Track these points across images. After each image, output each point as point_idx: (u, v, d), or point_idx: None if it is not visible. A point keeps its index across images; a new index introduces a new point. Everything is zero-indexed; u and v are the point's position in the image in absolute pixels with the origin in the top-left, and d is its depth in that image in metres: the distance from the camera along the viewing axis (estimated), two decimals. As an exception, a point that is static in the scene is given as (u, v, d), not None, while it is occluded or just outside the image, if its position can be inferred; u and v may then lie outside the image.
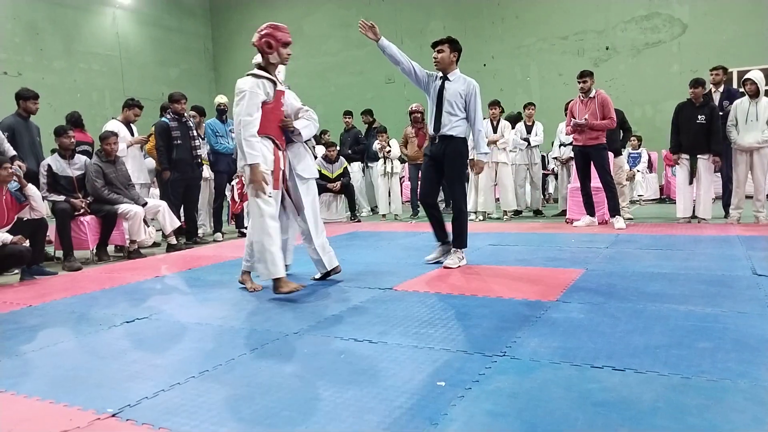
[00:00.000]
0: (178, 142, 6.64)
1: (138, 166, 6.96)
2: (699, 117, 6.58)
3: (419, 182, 5.05)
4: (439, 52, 4.63)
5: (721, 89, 7.20)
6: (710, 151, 6.60)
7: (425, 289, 3.88)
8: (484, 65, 12.86)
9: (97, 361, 2.76)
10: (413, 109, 8.68)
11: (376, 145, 8.92)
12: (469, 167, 5.36)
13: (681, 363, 2.34)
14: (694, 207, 6.89)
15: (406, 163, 9.51)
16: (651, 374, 2.25)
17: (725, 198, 7.19)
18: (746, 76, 6.44)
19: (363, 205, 10.06)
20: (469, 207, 8.35)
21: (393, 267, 4.78)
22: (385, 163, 8.88)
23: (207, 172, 7.56)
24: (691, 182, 6.77)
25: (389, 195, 9.07)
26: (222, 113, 7.44)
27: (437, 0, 13.41)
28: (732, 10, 10.67)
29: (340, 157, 9.04)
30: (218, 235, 7.39)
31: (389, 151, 8.87)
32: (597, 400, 2.05)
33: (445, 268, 4.61)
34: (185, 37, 15.54)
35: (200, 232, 7.40)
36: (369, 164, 9.87)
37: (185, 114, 6.83)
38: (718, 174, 7.30)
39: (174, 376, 2.48)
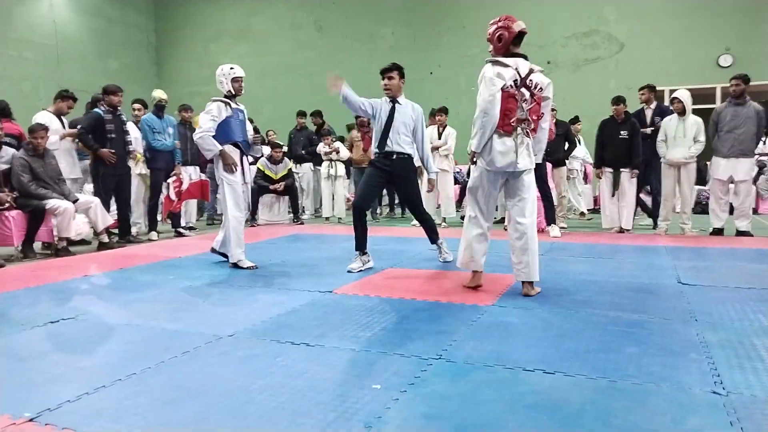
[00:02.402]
0: (112, 135, 6.39)
1: (70, 160, 6.67)
2: (621, 132, 6.90)
3: (360, 187, 5.10)
4: (389, 79, 4.82)
5: (653, 106, 7.55)
6: (630, 165, 6.91)
7: (365, 293, 3.88)
8: (431, 73, 13.01)
9: (16, 364, 2.62)
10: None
11: (320, 148, 8.86)
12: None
13: (608, 367, 2.43)
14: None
15: (352, 167, 9.48)
16: (580, 378, 2.32)
17: (654, 210, 7.53)
18: (674, 95, 6.78)
19: (308, 206, 9.96)
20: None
21: (334, 270, 4.75)
22: (330, 165, 8.83)
23: (142, 168, 7.30)
24: (613, 195, 7.06)
25: (333, 198, 9.03)
26: (160, 109, 7.20)
27: (387, 7, 13.48)
28: (665, 32, 11.21)
29: (285, 158, 8.93)
30: (153, 234, 7.15)
31: (338, 151, 8.83)
32: (528, 402, 2.10)
33: (445, 262, 4.99)
34: (127, 28, 15.00)
35: (134, 230, 7.14)
36: (315, 166, 9.79)
37: (119, 108, 6.58)
38: (648, 187, 7.65)
39: (99, 378, 2.38)
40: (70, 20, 13.60)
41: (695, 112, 6.83)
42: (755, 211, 8.51)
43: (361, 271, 4.70)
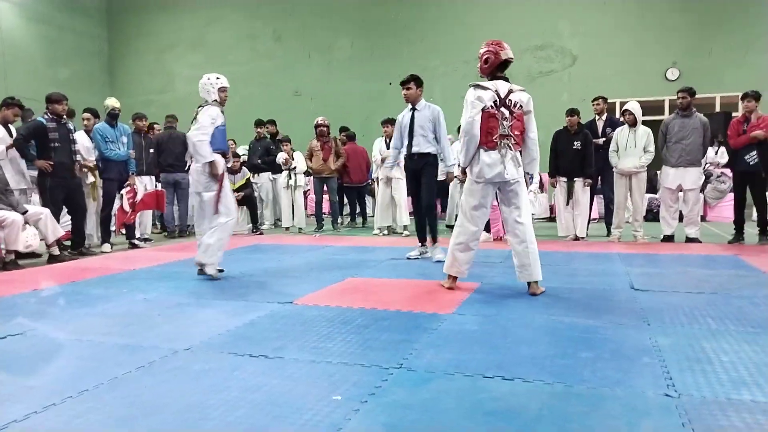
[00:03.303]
0: (56, 144, 6.18)
1: (18, 170, 6.42)
2: (575, 143, 7.09)
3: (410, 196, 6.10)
4: (407, 89, 5.65)
5: (604, 117, 7.78)
6: (584, 175, 7.09)
7: (326, 303, 3.85)
8: (390, 84, 13.09)
9: (-43, 383, 2.49)
10: (319, 122, 8.64)
11: (280, 157, 8.79)
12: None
13: (564, 372, 2.47)
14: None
15: (311, 176, 9.42)
16: (537, 383, 2.35)
17: (607, 218, 7.73)
18: (625, 107, 7.00)
19: (267, 216, 9.84)
20: (375, 223, 8.43)
21: (294, 281, 4.71)
22: (288, 175, 8.76)
23: (90, 178, 7.09)
24: (567, 203, 7.23)
25: (293, 208, 8.96)
26: (113, 117, 7.01)
27: (345, 17, 13.53)
28: (616, 46, 11.59)
29: (243, 167, 8.82)
30: (106, 246, 6.94)
31: (294, 167, 8.77)
32: (487, 409, 2.11)
33: (439, 262, 5.23)
34: (78, 37, 14.60)
35: (86, 242, 6.92)
36: (273, 175, 9.68)
37: (64, 116, 6.37)
38: (601, 196, 7.86)
39: (49, 396, 2.28)
40: (17, 27, 13.18)
41: (645, 123, 7.07)
42: (703, 218, 8.84)
43: (417, 258, 5.71)
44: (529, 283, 4.04)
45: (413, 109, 5.66)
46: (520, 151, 4.04)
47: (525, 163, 4.08)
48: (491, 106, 3.89)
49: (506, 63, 4.03)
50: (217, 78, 4.90)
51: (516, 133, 3.96)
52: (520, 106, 3.97)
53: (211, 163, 4.73)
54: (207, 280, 4.76)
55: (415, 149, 5.61)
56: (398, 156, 6.01)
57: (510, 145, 3.94)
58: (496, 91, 3.91)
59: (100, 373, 2.54)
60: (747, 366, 2.50)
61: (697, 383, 2.32)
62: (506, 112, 3.91)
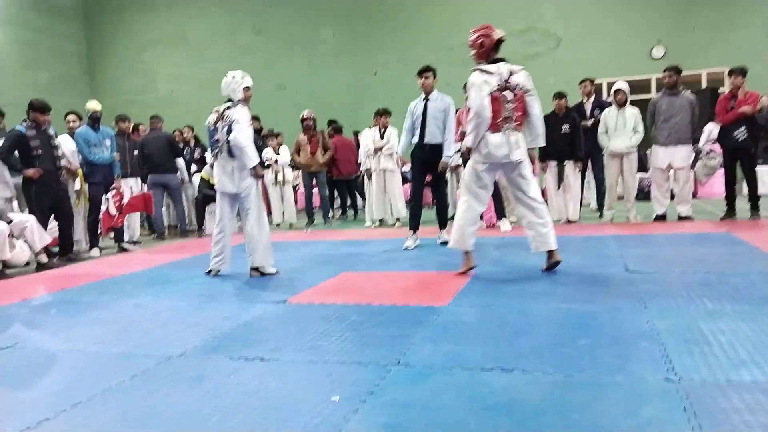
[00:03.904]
0: (39, 152, 6.05)
1: (1, 179, 6.31)
2: (563, 127, 7.06)
3: (411, 181, 6.19)
4: (426, 78, 5.75)
5: (591, 99, 7.75)
6: (574, 158, 7.08)
7: (320, 301, 3.81)
8: (375, 74, 13.02)
9: (-54, 402, 2.44)
10: (305, 116, 8.56)
11: (266, 153, 8.71)
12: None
13: (564, 361, 2.45)
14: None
15: (300, 171, 9.35)
16: (537, 374, 2.33)
17: (599, 200, 7.73)
18: (615, 87, 6.97)
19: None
20: (367, 216, 8.39)
21: (287, 279, 4.66)
22: (274, 172, 8.67)
23: (77, 184, 6.99)
24: (558, 187, 7.22)
25: (282, 203, 8.90)
26: (95, 120, 6.88)
27: (327, 8, 13.37)
28: (600, 26, 11.54)
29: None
30: (95, 251, 6.86)
31: (276, 161, 8.70)
32: (487, 404, 2.09)
33: (444, 243, 5.56)
34: (55, 39, 14.35)
35: (74, 248, 6.83)
36: (261, 172, 9.60)
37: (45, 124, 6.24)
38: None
39: (42, 411, 2.24)
40: (-8, 31, 12.94)
41: (632, 102, 7.05)
42: (694, 195, 8.86)
43: (414, 248, 5.77)
44: (548, 253, 4.18)
45: (426, 99, 5.74)
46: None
47: (529, 141, 4.20)
48: (496, 89, 3.99)
49: (500, 43, 4.11)
50: (243, 77, 4.79)
51: (518, 114, 4.09)
52: (521, 87, 4.08)
53: (257, 166, 4.71)
54: (197, 283, 4.71)
55: (428, 139, 5.70)
56: (409, 143, 5.95)
57: (513, 126, 4.07)
58: (499, 74, 4.01)
59: (94, 384, 2.50)
60: (745, 345, 2.49)
61: (697, 366, 2.31)
62: (509, 95, 4.03)
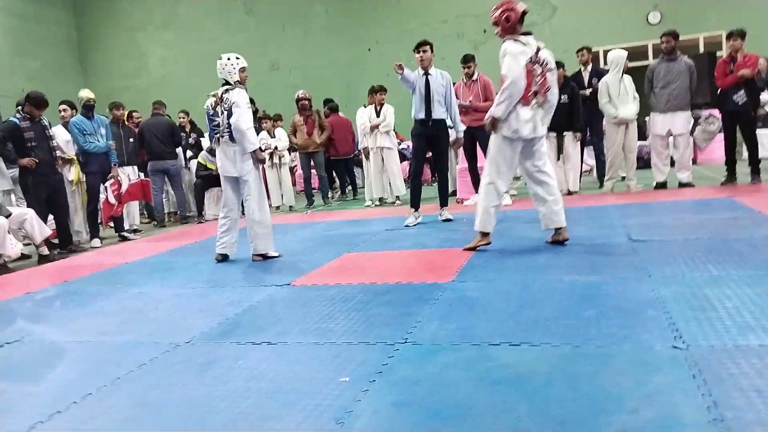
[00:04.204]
0: (33, 143, 5.98)
1: (-3, 171, 6.28)
2: (562, 97, 6.94)
3: (412, 160, 6.06)
4: (423, 52, 5.56)
5: (589, 68, 7.66)
6: (573, 129, 7.02)
7: (324, 282, 3.81)
8: (369, 50, 12.87)
9: (-44, 398, 2.44)
10: (300, 96, 8.47)
11: (262, 137, 8.65)
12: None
13: (570, 333, 2.45)
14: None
15: (297, 152, 9.29)
16: (544, 347, 2.33)
17: (599, 170, 7.69)
18: (613, 56, 6.85)
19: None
20: (366, 195, 8.36)
21: (289, 261, 4.66)
22: (270, 155, 8.61)
23: (73, 174, 6.93)
24: (558, 158, 7.17)
25: (280, 186, 8.86)
26: (89, 109, 6.81)
27: (318, -16, 13.17)
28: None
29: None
30: (96, 241, 6.84)
31: (276, 147, 8.66)
32: (496, 378, 2.10)
33: (446, 220, 5.79)
34: (45, 25, 14.15)
35: (76, 239, 6.82)
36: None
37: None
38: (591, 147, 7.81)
39: (53, 404, 2.24)
40: (-24, 21, 12.76)
41: (631, 69, 6.96)
42: (694, 161, 8.82)
43: (415, 225, 5.73)
44: (556, 230, 4.17)
45: (426, 74, 5.59)
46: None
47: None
48: (528, 62, 3.96)
49: (524, 15, 4.08)
50: (237, 58, 4.74)
51: (544, 89, 4.07)
52: (547, 63, 4.06)
53: (257, 150, 4.69)
54: (200, 269, 4.70)
55: (434, 115, 5.60)
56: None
57: (539, 102, 4.06)
58: (531, 47, 4.00)
59: (103, 375, 2.50)
60: (751, 310, 2.50)
61: (704, 332, 2.31)
62: (538, 69, 4.01)
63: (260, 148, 4.73)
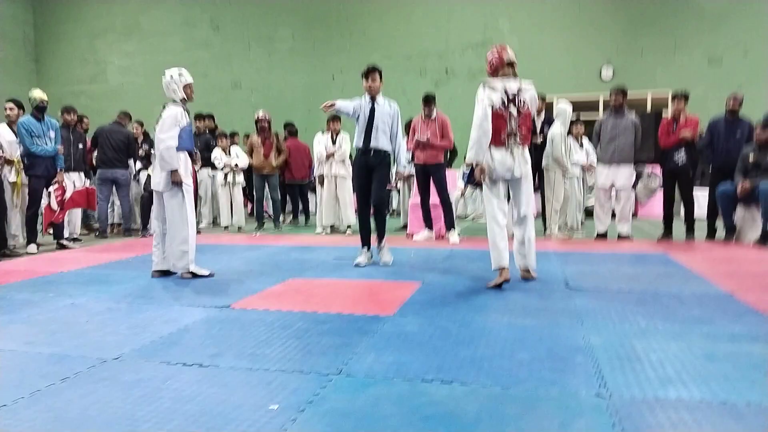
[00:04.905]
0: None
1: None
2: None
3: (356, 190, 5.69)
4: (372, 80, 5.35)
5: (542, 116, 7.93)
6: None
7: (265, 306, 3.77)
8: (333, 78, 13.00)
9: None
10: (260, 116, 8.45)
11: (216, 155, 8.56)
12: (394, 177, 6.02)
13: (502, 374, 2.50)
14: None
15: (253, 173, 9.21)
16: (475, 386, 2.37)
17: (544, 216, 7.92)
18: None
19: (205, 214, 9.53)
20: (318, 222, 8.33)
21: (232, 283, 4.59)
22: (227, 175, 8.53)
23: (14, 175, 6.68)
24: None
25: (231, 205, 8.75)
26: (40, 110, 6.62)
27: (286, 8, 13.28)
28: (553, 44, 11.83)
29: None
30: (32, 246, 6.58)
31: (236, 164, 8.59)
32: (426, 414, 2.12)
33: (386, 265, 5.33)
34: (0, 21, 13.75)
35: (11, 243, 6.54)
36: (212, 172, 9.40)
37: None
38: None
39: (-39, 414, 2.13)
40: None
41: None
42: (635, 214, 9.20)
43: (366, 265, 5.32)
44: (526, 270, 4.48)
45: (373, 101, 5.37)
46: (528, 148, 4.31)
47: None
48: (500, 106, 4.12)
49: (510, 64, 4.25)
50: (180, 75, 4.68)
51: (523, 130, 4.22)
52: (525, 102, 4.21)
53: (174, 172, 4.59)
54: (138, 284, 4.58)
55: (373, 144, 5.32)
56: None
57: (517, 142, 4.21)
58: (504, 90, 4.14)
59: (22, 386, 2.40)
60: (674, 364, 2.61)
61: (627, 382, 2.40)
62: (514, 111, 4.16)
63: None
